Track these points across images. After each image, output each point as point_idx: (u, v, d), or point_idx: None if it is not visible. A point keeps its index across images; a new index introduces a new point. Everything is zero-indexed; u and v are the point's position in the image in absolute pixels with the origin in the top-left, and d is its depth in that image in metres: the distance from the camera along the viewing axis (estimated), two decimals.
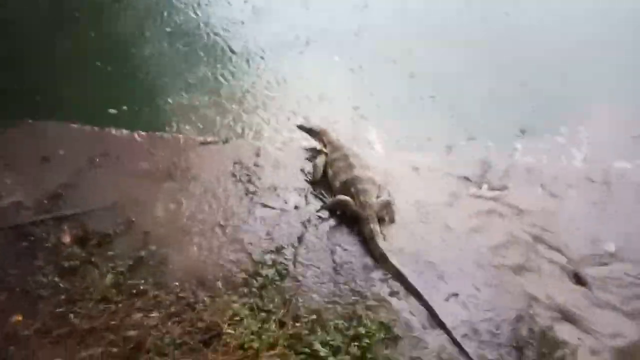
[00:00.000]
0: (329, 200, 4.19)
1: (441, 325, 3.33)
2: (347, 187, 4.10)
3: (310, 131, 4.73)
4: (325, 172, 4.38)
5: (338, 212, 4.09)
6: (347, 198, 4.03)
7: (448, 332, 3.28)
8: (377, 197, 4.09)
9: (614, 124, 4.91)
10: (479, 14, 6.49)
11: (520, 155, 4.69)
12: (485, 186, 4.27)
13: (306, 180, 4.40)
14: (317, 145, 4.66)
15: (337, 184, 4.20)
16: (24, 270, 3.62)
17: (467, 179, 4.35)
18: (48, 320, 3.27)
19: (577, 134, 4.83)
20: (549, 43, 5.98)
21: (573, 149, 4.69)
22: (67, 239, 3.89)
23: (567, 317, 3.36)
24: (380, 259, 3.76)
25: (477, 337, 3.28)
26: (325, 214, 4.08)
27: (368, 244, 3.88)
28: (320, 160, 4.44)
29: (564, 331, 3.28)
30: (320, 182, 4.36)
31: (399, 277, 3.62)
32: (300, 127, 4.80)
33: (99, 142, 4.75)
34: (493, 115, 5.11)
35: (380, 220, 3.98)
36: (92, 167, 4.52)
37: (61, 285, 3.52)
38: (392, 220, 4.07)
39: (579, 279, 3.58)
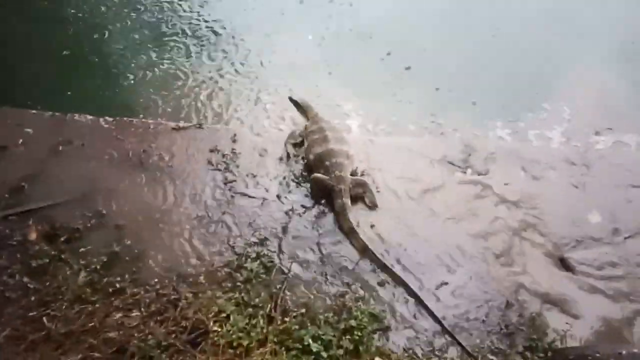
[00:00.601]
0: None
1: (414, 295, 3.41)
2: (322, 160, 4.04)
3: (297, 104, 4.61)
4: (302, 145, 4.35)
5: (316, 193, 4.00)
6: (320, 175, 3.97)
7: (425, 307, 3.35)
8: (353, 173, 4.08)
9: (590, 103, 4.97)
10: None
11: (501, 138, 4.67)
12: (469, 170, 4.25)
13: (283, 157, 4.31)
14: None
15: (311, 157, 4.14)
16: None
17: (451, 163, 4.31)
18: (20, 325, 3.03)
19: (555, 115, 4.86)
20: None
21: (552, 130, 4.72)
22: (33, 235, 3.61)
23: (555, 302, 3.40)
24: (349, 234, 3.75)
25: (468, 324, 3.27)
26: (309, 202, 3.96)
27: (338, 218, 3.84)
28: (294, 133, 4.46)
29: (553, 316, 3.32)
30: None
31: (367, 252, 3.62)
32: (290, 99, 4.65)
33: (62, 129, 4.43)
34: (473, 97, 5.07)
35: (357, 199, 3.96)
36: (56, 156, 4.21)
37: (30, 286, 3.28)
38: (373, 204, 3.99)
39: (564, 263, 3.62)
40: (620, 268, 3.62)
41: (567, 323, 3.29)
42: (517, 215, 3.95)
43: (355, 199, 3.98)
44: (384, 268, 3.56)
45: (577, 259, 3.67)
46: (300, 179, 4.13)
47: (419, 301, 3.38)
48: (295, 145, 4.42)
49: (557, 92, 5.10)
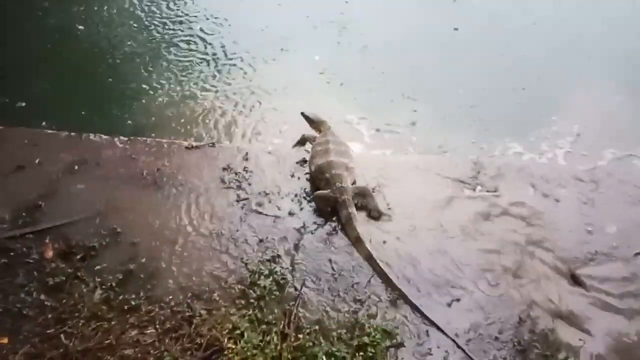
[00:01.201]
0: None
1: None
2: (322, 171, 4.13)
3: (309, 119, 4.73)
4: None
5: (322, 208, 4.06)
6: (321, 191, 4.07)
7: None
8: (353, 183, 4.17)
9: (597, 119, 5.02)
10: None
11: (509, 155, 4.73)
12: (478, 188, 4.29)
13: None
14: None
15: (312, 167, 4.24)
16: (5, 288, 3.40)
17: (460, 180, 4.35)
18: (37, 342, 3.07)
19: (563, 132, 4.91)
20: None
21: (560, 147, 4.77)
22: (49, 253, 3.67)
23: (567, 318, 3.40)
24: (355, 242, 3.82)
25: (481, 341, 3.28)
26: (320, 219, 4.00)
27: (345, 228, 3.92)
28: (303, 136, 4.72)
29: (566, 333, 3.32)
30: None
31: (371, 261, 3.69)
32: (302, 115, 4.77)
33: (77, 149, 4.51)
34: (479, 114, 5.14)
35: (362, 208, 4.06)
36: (71, 175, 4.29)
37: (47, 303, 3.32)
38: (378, 213, 4.06)
39: (575, 280, 3.63)
40: (632, 284, 3.62)
41: (580, 339, 3.29)
42: (527, 232, 3.97)
43: (360, 210, 4.04)
44: (381, 275, 3.62)
45: (589, 275, 3.68)
46: (312, 196, 4.18)
47: (420, 313, 3.43)
48: (300, 143, 4.72)
49: (565, 109, 5.17)
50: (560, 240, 3.91)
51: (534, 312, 3.47)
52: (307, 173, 4.38)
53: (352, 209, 3.93)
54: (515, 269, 3.72)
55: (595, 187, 4.33)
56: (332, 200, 4.01)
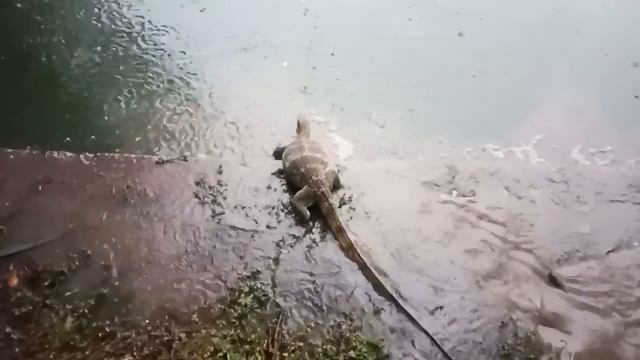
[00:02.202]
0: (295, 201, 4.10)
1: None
2: (297, 166, 4.15)
3: (298, 123, 4.72)
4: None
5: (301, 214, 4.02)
6: (297, 194, 4.07)
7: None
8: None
9: (566, 119, 5.14)
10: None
11: (482, 158, 4.77)
12: (454, 192, 4.30)
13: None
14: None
15: (287, 164, 4.26)
16: None
17: (436, 185, 4.36)
18: None
19: (533, 133, 4.99)
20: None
21: (530, 149, 4.85)
22: (14, 281, 3.48)
23: (548, 320, 3.44)
24: (337, 232, 3.89)
25: (466, 348, 3.28)
26: (299, 232, 3.92)
27: (327, 219, 3.98)
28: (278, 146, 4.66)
29: (547, 334, 3.36)
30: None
31: (352, 250, 3.75)
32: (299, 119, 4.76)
33: (40, 168, 4.30)
34: (451, 117, 5.18)
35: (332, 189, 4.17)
36: (35, 195, 4.08)
37: (14, 336, 3.15)
38: (337, 186, 4.25)
39: (553, 280, 3.69)
40: (607, 283, 3.70)
41: (562, 340, 3.33)
42: (503, 234, 4.01)
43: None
44: (361, 264, 3.67)
45: (566, 276, 3.73)
46: (289, 208, 4.10)
47: (396, 304, 3.47)
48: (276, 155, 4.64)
49: (534, 109, 5.25)
50: (536, 242, 3.95)
51: (515, 314, 3.50)
52: (283, 184, 4.30)
53: (332, 200, 4.01)
54: (494, 272, 3.74)
55: (566, 187, 4.41)
56: (312, 195, 4.04)
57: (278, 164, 4.46)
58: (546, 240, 3.98)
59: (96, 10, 6.39)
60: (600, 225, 4.12)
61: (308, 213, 4.01)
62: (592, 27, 6.35)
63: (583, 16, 6.49)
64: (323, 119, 5.11)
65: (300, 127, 4.66)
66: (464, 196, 4.28)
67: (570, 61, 5.91)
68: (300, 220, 4.02)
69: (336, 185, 4.22)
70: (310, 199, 4.04)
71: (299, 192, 4.06)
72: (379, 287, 3.56)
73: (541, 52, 6.02)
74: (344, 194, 4.23)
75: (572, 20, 6.45)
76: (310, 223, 3.99)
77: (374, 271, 3.61)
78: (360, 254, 3.69)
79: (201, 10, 6.45)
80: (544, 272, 3.75)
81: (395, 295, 3.50)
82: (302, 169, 4.11)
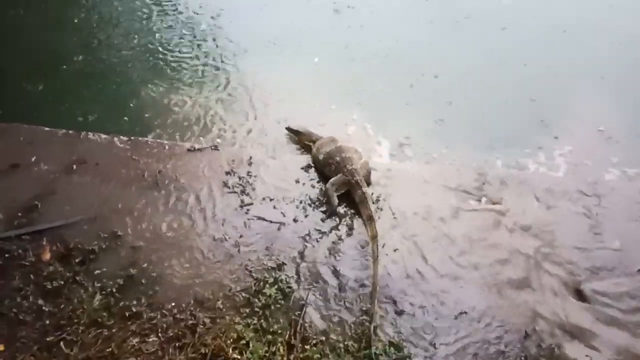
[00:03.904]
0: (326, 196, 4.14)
1: None
2: (331, 156, 4.25)
3: (297, 132, 4.74)
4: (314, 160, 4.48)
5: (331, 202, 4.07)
6: (332, 180, 4.14)
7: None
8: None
9: (601, 135, 5.03)
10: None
11: (513, 165, 4.71)
12: (483, 199, 4.27)
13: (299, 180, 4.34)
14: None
15: (320, 157, 4.31)
16: (0, 292, 3.29)
17: (465, 191, 4.32)
18: (36, 350, 2.96)
19: (567, 144, 4.90)
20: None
21: (563, 160, 4.77)
22: (47, 256, 3.56)
23: (573, 333, 3.38)
24: (367, 220, 3.93)
25: (488, 355, 3.25)
26: (326, 227, 3.92)
27: (359, 207, 4.04)
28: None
29: (572, 348, 3.29)
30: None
31: (374, 241, 3.72)
32: (289, 129, 4.80)
33: (75, 148, 4.40)
34: (483, 124, 5.13)
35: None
36: (69, 175, 4.17)
37: (45, 308, 3.22)
38: (367, 182, 4.26)
39: (580, 294, 3.63)
40: (637, 299, 3.63)
41: (586, 355, 3.27)
42: (532, 245, 3.95)
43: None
44: (375, 261, 3.62)
45: (594, 290, 3.67)
46: (317, 202, 4.12)
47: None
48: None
49: (571, 121, 5.16)
50: (565, 254, 3.89)
51: (540, 326, 3.45)
52: (311, 179, 4.32)
53: (366, 189, 4.07)
54: (521, 282, 3.69)
55: (598, 201, 4.33)
56: (346, 183, 4.12)
57: (307, 159, 4.49)
58: (575, 253, 3.91)
59: None
60: (631, 242, 4.03)
61: (337, 201, 4.07)
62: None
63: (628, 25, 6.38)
64: (353, 117, 5.11)
65: (306, 136, 4.66)
66: (494, 204, 4.25)
67: (610, 71, 5.77)
68: (328, 209, 4.06)
69: (367, 181, 4.22)
70: (343, 186, 4.12)
71: (333, 179, 4.13)
72: (373, 288, 3.51)
73: (579, 59, 5.92)
74: (372, 193, 4.22)
75: (615, 29, 6.32)
76: (337, 220, 4.00)
77: (379, 269, 3.57)
78: (378, 247, 3.68)
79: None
80: (571, 285, 3.69)
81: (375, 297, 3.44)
82: (338, 158, 4.20)
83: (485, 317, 3.46)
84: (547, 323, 3.46)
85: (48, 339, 3.02)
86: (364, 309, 3.43)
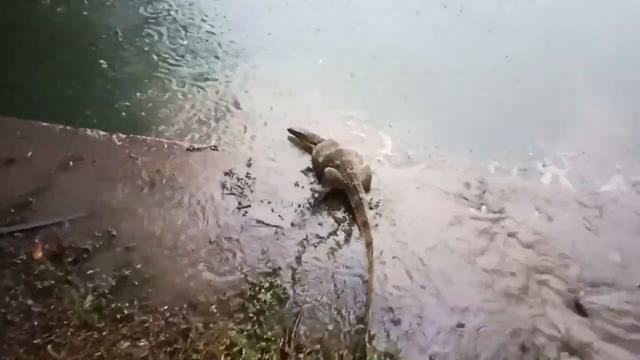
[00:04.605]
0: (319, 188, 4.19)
1: None
2: (332, 159, 4.19)
3: (300, 135, 4.67)
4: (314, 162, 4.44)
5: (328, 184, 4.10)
6: (336, 171, 4.12)
7: None
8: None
9: (604, 143, 4.96)
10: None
11: (513, 174, 4.66)
12: (483, 208, 4.21)
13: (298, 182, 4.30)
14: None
15: (320, 159, 4.27)
16: None
17: (465, 199, 4.27)
18: (22, 353, 2.89)
19: (568, 152, 4.85)
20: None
21: (564, 170, 4.71)
22: (39, 254, 3.48)
23: (572, 348, 3.33)
24: (362, 226, 3.89)
25: None
26: (324, 232, 3.88)
27: (355, 212, 4.00)
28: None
29: None
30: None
31: (369, 248, 3.71)
32: (291, 131, 4.72)
33: (72, 144, 4.32)
34: (483, 132, 5.07)
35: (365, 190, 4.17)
36: (65, 171, 4.10)
37: (34, 309, 3.14)
38: (367, 188, 4.24)
39: (580, 308, 3.57)
40: (636, 316, 3.57)
41: None
42: (531, 256, 3.90)
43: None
44: (370, 268, 3.61)
45: (593, 304, 3.61)
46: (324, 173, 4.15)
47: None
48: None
49: (570, 131, 5.10)
50: (565, 266, 3.84)
51: (538, 339, 3.40)
52: (311, 183, 4.26)
53: (363, 195, 4.02)
54: (519, 294, 3.64)
55: (599, 213, 4.28)
56: (343, 184, 4.09)
57: (307, 163, 4.43)
58: (575, 265, 3.86)
59: None
60: (632, 255, 3.98)
61: (329, 189, 4.11)
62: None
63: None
64: (352, 121, 5.06)
65: (309, 138, 4.60)
66: (493, 212, 4.19)
67: (616, 78, 5.70)
68: (319, 194, 4.12)
69: (366, 187, 4.18)
70: (339, 184, 4.10)
71: (335, 170, 4.12)
72: (368, 296, 3.48)
73: (585, 66, 5.86)
74: (371, 199, 4.17)
75: (624, 34, 6.24)
76: (336, 225, 3.94)
77: (374, 277, 3.55)
78: (373, 253, 3.66)
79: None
80: (570, 299, 3.64)
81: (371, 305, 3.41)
82: (337, 161, 4.15)
83: (483, 329, 3.41)
84: (545, 337, 3.41)
85: (35, 341, 2.95)
86: (360, 317, 3.38)
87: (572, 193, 4.47)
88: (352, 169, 4.11)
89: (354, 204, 4.02)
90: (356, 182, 4.04)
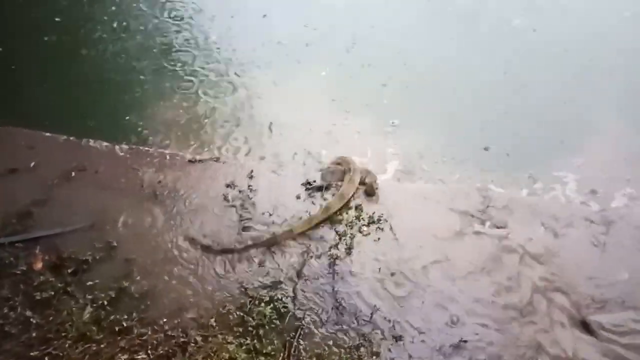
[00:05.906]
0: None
1: None
2: (334, 162, 4.45)
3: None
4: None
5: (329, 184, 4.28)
6: (336, 167, 4.33)
7: None
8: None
9: (609, 158, 4.88)
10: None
11: (518, 189, 4.61)
12: (488, 223, 4.16)
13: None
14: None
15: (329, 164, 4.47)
16: None
17: (469, 214, 4.22)
18: None
19: (574, 170, 4.77)
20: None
21: (570, 186, 4.65)
22: (39, 265, 3.48)
23: None
24: (339, 198, 4.07)
25: None
26: (325, 246, 3.84)
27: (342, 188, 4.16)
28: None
29: None
30: None
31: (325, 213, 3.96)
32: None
33: (75, 154, 4.34)
34: (485, 142, 5.02)
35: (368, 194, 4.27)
36: (68, 182, 4.11)
37: (33, 320, 3.13)
38: (371, 191, 4.25)
39: (586, 327, 3.50)
40: None
41: None
42: (537, 272, 3.83)
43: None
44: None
45: (600, 323, 3.54)
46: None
47: None
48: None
49: (578, 146, 5.03)
50: (571, 284, 3.76)
51: (543, 357, 3.33)
52: (312, 195, 4.22)
53: (355, 174, 4.19)
54: (523, 310, 3.57)
55: (606, 229, 4.21)
56: (341, 172, 4.29)
57: (308, 175, 4.40)
58: (581, 283, 3.78)
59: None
60: None
61: (328, 182, 4.27)
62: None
63: None
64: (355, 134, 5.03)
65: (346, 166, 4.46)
66: (498, 228, 4.14)
67: (628, 92, 5.62)
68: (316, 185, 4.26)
69: (369, 192, 4.24)
70: (338, 175, 4.28)
71: (333, 167, 4.35)
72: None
73: (588, 86, 5.80)
74: (374, 212, 4.13)
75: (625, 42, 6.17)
76: (337, 238, 3.90)
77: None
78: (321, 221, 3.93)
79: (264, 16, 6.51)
80: (577, 317, 3.57)
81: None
82: (344, 167, 4.32)
83: (487, 346, 3.34)
84: (550, 357, 3.33)
85: (32, 354, 2.93)
86: (360, 332, 3.33)
87: (579, 209, 4.39)
88: (352, 164, 4.30)
89: (345, 181, 4.19)
90: (352, 166, 4.23)
